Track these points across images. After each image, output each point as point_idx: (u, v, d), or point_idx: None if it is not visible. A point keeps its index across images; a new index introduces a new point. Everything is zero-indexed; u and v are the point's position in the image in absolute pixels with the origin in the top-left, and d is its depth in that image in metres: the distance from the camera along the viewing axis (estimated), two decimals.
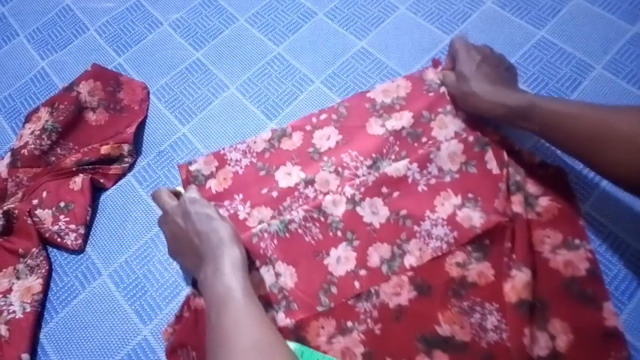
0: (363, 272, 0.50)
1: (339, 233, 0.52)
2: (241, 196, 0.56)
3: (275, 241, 0.51)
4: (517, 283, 0.46)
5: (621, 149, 0.41)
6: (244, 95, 0.64)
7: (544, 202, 0.52)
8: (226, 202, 0.56)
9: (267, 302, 0.49)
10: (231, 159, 0.58)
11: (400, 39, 0.64)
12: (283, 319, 0.48)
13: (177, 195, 0.52)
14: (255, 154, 0.58)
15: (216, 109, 0.63)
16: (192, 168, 0.58)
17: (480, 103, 0.51)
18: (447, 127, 0.56)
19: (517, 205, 0.50)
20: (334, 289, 0.49)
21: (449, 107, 0.58)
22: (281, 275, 0.50)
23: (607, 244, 0.50)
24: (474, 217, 0.51)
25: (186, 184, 0.57)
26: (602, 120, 0.43)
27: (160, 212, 0.50)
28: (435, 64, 0.61)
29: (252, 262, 0.50)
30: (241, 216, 0.54)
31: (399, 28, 0.66)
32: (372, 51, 0.65)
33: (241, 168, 0.57)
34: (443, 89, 0.59)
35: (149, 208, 0.58)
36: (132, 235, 0.57)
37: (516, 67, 0.57)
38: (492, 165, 0.53)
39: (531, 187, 0.52)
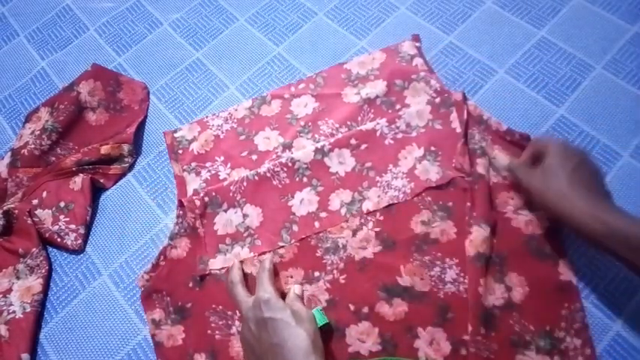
0: (323, 214, 0.53)
1: (305, 179, 0.55)
2: (222, 158, 0.58)
3: (244, 184, 0.55)
4: (476, 237, 0.49)
5: None
6: (244, 95, 0.64)
7: None
8: (208, 164, 0.58)
9: (233, 239, 0.53)
10: (213, 125, 0.61)
11: (401, 39, 0.64)
12: (247, 254, 0.52)
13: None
14: (235, 120, 0.61)
15: (217, 109, 0.63)
16: (176, 135, 0.61)
17: (570, 209, 0.43)
18: (420, 95, 0.58)
19: (481, 168, 0.52)
20: (295, 227, 0.53)
21: (422, 74, 0.60)
22: (248, 216, 0.54)
23: None
24: (431, 172, 0.54)
25: (170, 149, 0.60)
26: None
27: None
28: (415, 38, 0.63)
29: (221, 204, 0.54)
30: (222, 176, 0.57)
31: (399, 28, 0.66)
32: (372, 51, 0.65)
33: (222, 132, 0.60)
34: (416, 60, 0.61)
35: (149, 208, 0.58)
36: (132, 235, 0.57)
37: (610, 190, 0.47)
38: (456, 124, 0.56)
39: (498, 153, 0.54)
